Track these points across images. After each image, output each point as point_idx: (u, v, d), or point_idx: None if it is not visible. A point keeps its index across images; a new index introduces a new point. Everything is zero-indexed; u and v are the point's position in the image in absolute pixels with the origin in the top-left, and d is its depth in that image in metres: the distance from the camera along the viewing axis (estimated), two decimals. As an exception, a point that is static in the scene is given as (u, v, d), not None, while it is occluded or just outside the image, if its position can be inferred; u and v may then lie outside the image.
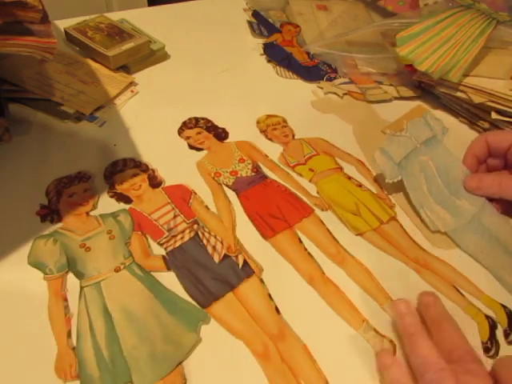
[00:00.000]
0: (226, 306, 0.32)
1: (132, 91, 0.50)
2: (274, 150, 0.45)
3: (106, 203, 0.38)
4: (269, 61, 0.58)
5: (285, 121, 0.48)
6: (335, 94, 0.53)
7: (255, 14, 0.67)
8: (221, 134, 0.46)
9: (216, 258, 0.34)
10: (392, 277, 0.35)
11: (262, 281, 0.33)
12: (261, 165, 0.43)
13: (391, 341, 0.30)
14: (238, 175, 0.41)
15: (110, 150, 0.43)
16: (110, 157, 0.42)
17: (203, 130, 0.46)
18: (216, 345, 0.30)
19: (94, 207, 0.37)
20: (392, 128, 0.50)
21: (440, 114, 0.52)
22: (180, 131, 0.46)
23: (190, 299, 0.32)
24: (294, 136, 0.47)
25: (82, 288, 0.32)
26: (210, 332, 0.30)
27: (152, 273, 0.33)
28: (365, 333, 0.31)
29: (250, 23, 0.65)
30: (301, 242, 0.36)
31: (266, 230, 0.37)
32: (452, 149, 0.42)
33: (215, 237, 0.36)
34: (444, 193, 0.39)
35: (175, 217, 0.37)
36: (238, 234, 0.37)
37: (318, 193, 0.41)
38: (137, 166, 0.41)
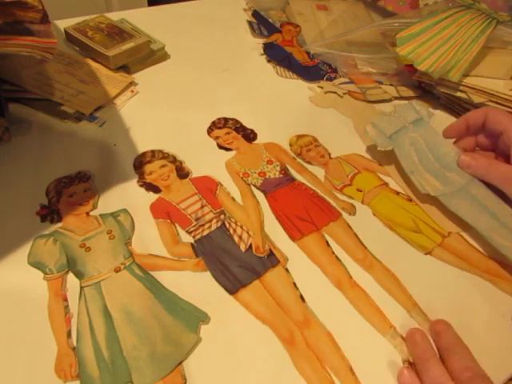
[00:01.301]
0: (252, 293, 0.32)
1: (132, 91, 0.50)
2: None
3: (106, 203, 0.38)
4: (269, 61, 0.58)
5: (315, 140, 0.47)
6: (335, 93, 0.53)
7: (255, 13, 0.67)
8: (249, 135, 0.46)
9: (242, 247, 0.35)
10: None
11: (287, 270, 0.34)
12: (289, 167, 0.43)
13: None
14: (266, 176, 0.42)
15: (110, 149, 0.43)
16: (110, 157, 0.42)
17: (232, 131, 0.46)
18: (216, 345, 0.30)
19: (94, 207, 0.37)
20: None
21: (440, 113, 0.52)
22: (209, 131, 0.46)
23: (212, 287, 0.32)
24: (330, 155, 0.45)
25: (81, 288, 0.32)
26: (209, 332, 0.30)
27: (152, 273, 0.33)
28: (392, 339, 0.31)
29: (250, 23, 0.65)
30: (328, 245, 0.36)
31: (294, 231, 0.37)
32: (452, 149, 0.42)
33: (241, 227, 0.37)
34: (434, 165, 0.40)
35: (202, 207, 0.38)
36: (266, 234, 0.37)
37: (374, 215, 0.39)
38: (165, 157, 0.42)
